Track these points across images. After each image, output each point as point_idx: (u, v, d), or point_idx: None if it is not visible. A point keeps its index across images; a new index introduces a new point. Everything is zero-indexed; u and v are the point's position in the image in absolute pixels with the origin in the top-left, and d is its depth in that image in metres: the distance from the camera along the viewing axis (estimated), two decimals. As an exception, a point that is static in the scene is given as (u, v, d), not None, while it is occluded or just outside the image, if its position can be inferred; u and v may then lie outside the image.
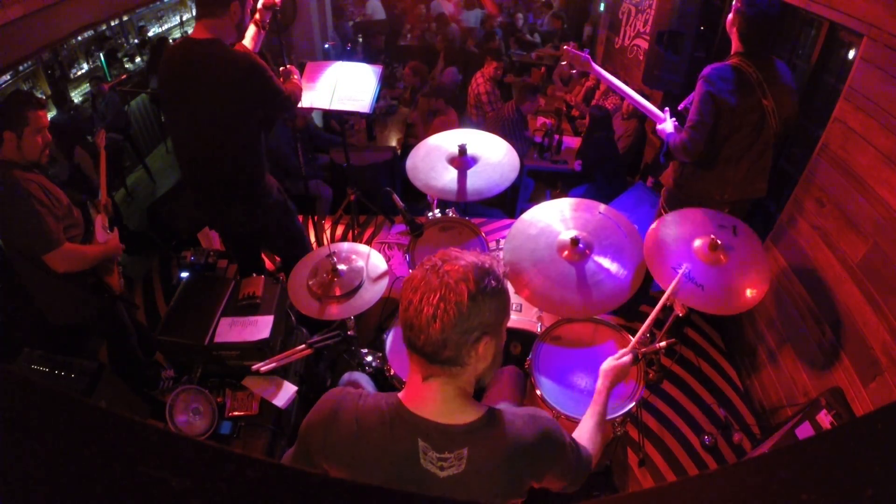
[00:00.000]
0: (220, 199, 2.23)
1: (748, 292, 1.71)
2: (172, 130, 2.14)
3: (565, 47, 2.43)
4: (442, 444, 0.89)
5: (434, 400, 0.92)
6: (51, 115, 4.40)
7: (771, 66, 2.06)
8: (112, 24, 5.26)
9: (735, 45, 2.08)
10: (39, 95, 4.21)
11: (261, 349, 1.97)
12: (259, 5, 2.18)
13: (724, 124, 2.06)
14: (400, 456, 0.90)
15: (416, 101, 4.81)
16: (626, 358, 1.40)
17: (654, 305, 1.66)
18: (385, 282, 1.89)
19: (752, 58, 2.03)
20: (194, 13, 2.06)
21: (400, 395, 0.95)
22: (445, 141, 2.36)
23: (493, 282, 0.88)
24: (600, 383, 1.34)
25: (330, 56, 5.14)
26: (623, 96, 2.37)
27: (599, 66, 2.37)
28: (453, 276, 0.85)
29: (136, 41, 5.83)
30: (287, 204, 2.44)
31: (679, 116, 2.28)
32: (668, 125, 2.26)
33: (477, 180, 2.20)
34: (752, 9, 1.98)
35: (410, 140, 4.49)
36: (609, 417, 1.68)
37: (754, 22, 2.00)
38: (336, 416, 0.96)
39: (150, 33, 6.14)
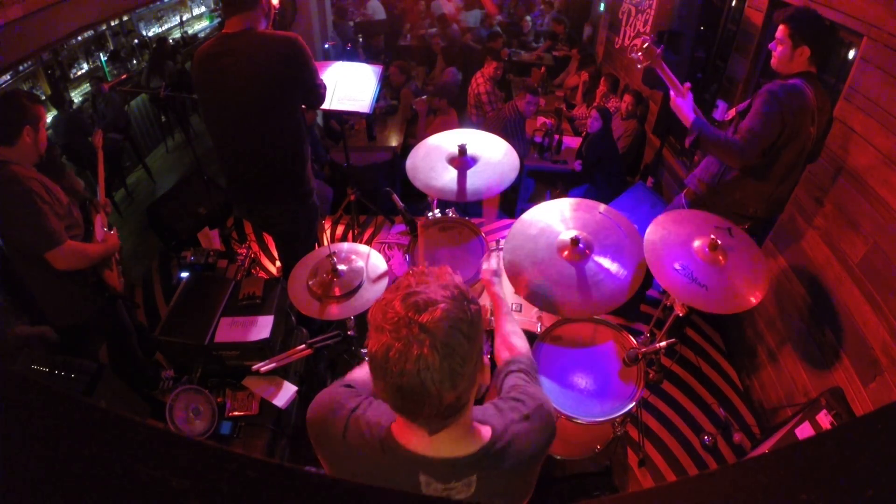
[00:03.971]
0: (262, 195, 2.22)
1: (751, 299, 1.70)
2: (214, 127, 2.13)
3: (644, 41, 2.30)
4: (447, 476, 0.83)
5: (437, 444, 0.83)
6: (50, 115, 4.40)
7: (822, 92, 1.99)
8: (112, 23, 5.26)
9: (797, 66, 1.98)
10: (39, 95, 4.21)
11: (261, 349, 1.97)
12: None
13: (777, 143, 2.02)
14: (398, 484, 0.85)
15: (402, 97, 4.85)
16: (487, 261, 1.59)
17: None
18: (385, 282, 1.89)
19: (813, 81, 1.95)
20: (221, 12, 2.06)
21: (392, 427, 0.86)
22: (445, 141, 2.36)
23: (472, 306, 0.78)
24: (491, 294, 1.47)
25: (330, 56, 5.13)
26: (672, 88, 2.24)
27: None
28: (441, 327, 0.72)
29: (136, 41, 5.83)
30: (317, 211, 2.44)
31: (718, 125, 2.22)
32: (687, 103, 2.18)
33: (477, 181, 2.20)
34: (825, 31, 1.90)
35: (410, 140, 4.49)
36: (609, 417, 1.69)
37: (828, 40, 1.93)
38: (326, 424, 0.92)
39: (150, 33, 6.14)
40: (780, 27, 1.97)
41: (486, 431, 0.88)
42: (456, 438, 0.84)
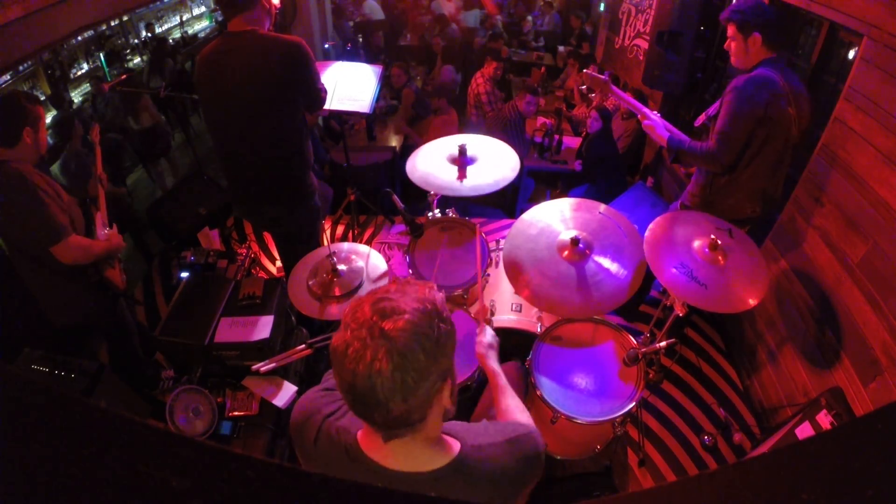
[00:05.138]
0: (263, 197, 2.22)
1: (749, 301, 1.71)
2: (215, 127, 2.13)
3: (586, 70, 2.34)
4: None
5: (397, 454, 0.83)
6: (50, 115, 4.40)
7: (792, 73, 2.00)
8: (112, 23, 5.26)
9: (755, 56, 2.00)
10: (39, 95, 4.22)
11: (261, 349, 1.97)
12: None
13: (757, 136, 2.01)
14: None
15: (402, 97, 4.85)
16: (481, 334, 1.35)
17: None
18: (385, 282, 1.89)
19: (776, 65, 1.97)
20: (222, 16, 2.06)
21: (358, 435, 0.86)
22: (444, 146, 2.36)
23: (441, 324, 0.75)
24: (488, 370, 1.29)
25: (330, 56, 5.13)
26: (636, 113, 2.31)
27: (599, 65, 2.37)
28: (401, 337, 0.71)
29: (136, 41, 5.83)
30: (319, 212, 2.44)
31: (694, 131, 2.24)
32: (656, 122, 2.23)
33: (476, 180, 2.20)
34: (770, 14, 1.94)
35: (410, 141, 4.49)
36: (609, 417, 1.69)
37: (778, 25, 1.95)
38: (302, 430, 0.93)
39: (150, 33, 6.14)
40: (728, 27, 2.01)
41: (454, 447, 0.86)
42: (414, 453, 0.83)
